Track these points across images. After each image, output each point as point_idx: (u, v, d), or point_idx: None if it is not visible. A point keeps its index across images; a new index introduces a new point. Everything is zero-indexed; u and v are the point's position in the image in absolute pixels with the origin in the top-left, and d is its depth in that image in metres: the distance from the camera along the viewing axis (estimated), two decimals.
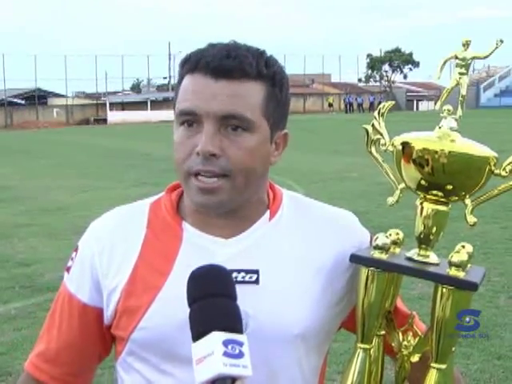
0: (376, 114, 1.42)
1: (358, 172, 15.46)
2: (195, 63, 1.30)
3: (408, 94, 75.31)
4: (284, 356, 1.35)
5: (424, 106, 71.75)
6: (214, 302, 1.12)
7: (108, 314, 1.40)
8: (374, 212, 9.86)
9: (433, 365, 1.31)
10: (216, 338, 1.07)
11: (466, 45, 1.62)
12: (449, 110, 1.34)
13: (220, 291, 1.14)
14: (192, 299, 1.14)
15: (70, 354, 1.45)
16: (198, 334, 1.09)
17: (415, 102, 72.64)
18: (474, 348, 5.08)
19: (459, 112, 1.38)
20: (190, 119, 1.29)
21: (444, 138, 1.30)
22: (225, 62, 1.27)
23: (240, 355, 1.07)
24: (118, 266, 1.38)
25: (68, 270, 1.46)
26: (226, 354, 1.06)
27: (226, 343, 1.07)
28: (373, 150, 1.41)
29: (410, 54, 77.89)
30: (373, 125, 1.41)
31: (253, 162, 1.30)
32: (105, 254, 1.40)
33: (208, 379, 1.05)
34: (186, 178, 1.31)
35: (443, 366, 1.31)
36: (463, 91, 1.53)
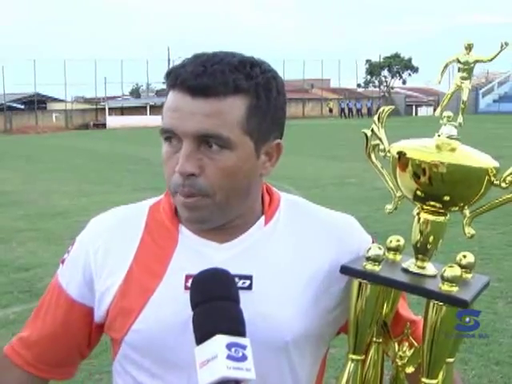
0: (375, 118, 1.39)
1: (356, 177, 15.45)
2: (174, 80, 1.29)
3: (407, 99, 75.26)
4: (276, 362, 1.35)
5: (423, 111, 71.70)
6: (218, 305, 1.12)
7: (100, 314, 1.41)
8: (373, 217, 9.84)
9: (424, 380, 1.29)
10: (220, 341, 1.07)
11: (469, 48, 1.57)
12: (449, 117, 1.31)
13: (223, 294, 1.14)
14: (195, 302, 1.14)
15: (49, 344, 1.47)
16: (201, 337, 1.09)
17: (414, 108, 72.61)
18: (472, 353, 5.07)
19: (459, 119, 1.35)
20: (171, 136, 1.30)
21: (443, 146, 1.27)
22: (200, 79, 1.24)
23: (243, 358, 1.07)
24: (113, 267, 1.39)
25: (63, 262, 1.47)
26: (229, 357, 1.06)
27: (229, 346, 1.07)
28: (372, 155, 1.38)
29: (409, 60, 78.06)
30: (372, 130, 1.38)
31: (233, 181, 1.30)
32: (100, 253, 1.41)
33: (212, 382, 1.05)
34: (173, 194, 1.33)
35: (433, 382, 1.29)
36: (464, 97, 1.48)
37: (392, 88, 78.41)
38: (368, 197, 12.29)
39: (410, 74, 78.76)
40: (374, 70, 77.94)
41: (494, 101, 67.99)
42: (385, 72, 78.01)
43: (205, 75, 1.25)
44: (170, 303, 1.31)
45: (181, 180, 1.28)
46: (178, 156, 1.28)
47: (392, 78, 78.40)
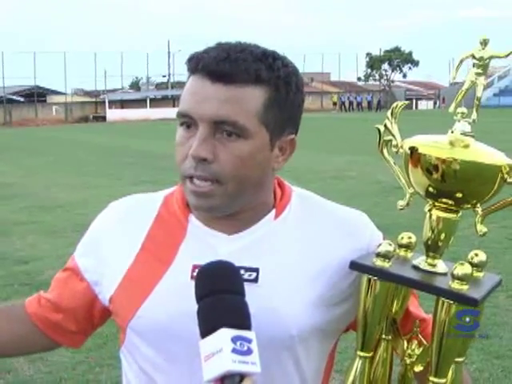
0: (389, 114, 1.37)
1: (356, 171, 15.44)
2: (195, 64, 1.29)
3: (407, 93, 75.18)
4: (281, 356, 1.33)
5: (423, 104, 71.65)
6: (223, 298, 1.11)
7: (106, 298, 1.42)
8: (371, 211, 9.80)
9: (431, 379, 1.27)
10: (225, 335, 1.06)
11: (484, 43, 1.54)
12: (463, 113, 1.29)
13: (228, 287, 1.13)
14: (200, 295, 1.13)
15: (57, 305, 1.51)
16: (206, 330, 1.09)
17: (414, 101, 72.52)
18: (472, 347, 5.07)
19: (474, 115, 1.33)
20: (188, 121, 1.29)
21: (456, 143, 1.25)
22: (222, 65, 1.25)
23: (249, 352, 1.06)
24: (121, 253, 1.40)
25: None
26: (234, 350, 1.05)
27: (234, 340, 1.06)
28: (384, 151, 1.37)
29: (410, 53, 78.00)
30: (385, 125, 1.37)
31: (246, 169, 1.29)
32: (109, 237, 1.43)
33: (217, 376, 1.05)
34: (183, 180, 1.32)
35: (442, 381, 1.27)
36: (478, 93, 1.45)
37: (392, 82, 78.36)
38: (367, 190, 12.27)
39: (410, 68, 78.73)
40: (374, 63, 77.87)
41: (495, 94, 67.91)
42: (385, 65, 77.94)
43: (227, 61, 1.25)
44: (176, 292, 1.31)
45: (193, 164, 1.28)
46: (192, 141, 1.27)
47: (392, 71, 78.34)
